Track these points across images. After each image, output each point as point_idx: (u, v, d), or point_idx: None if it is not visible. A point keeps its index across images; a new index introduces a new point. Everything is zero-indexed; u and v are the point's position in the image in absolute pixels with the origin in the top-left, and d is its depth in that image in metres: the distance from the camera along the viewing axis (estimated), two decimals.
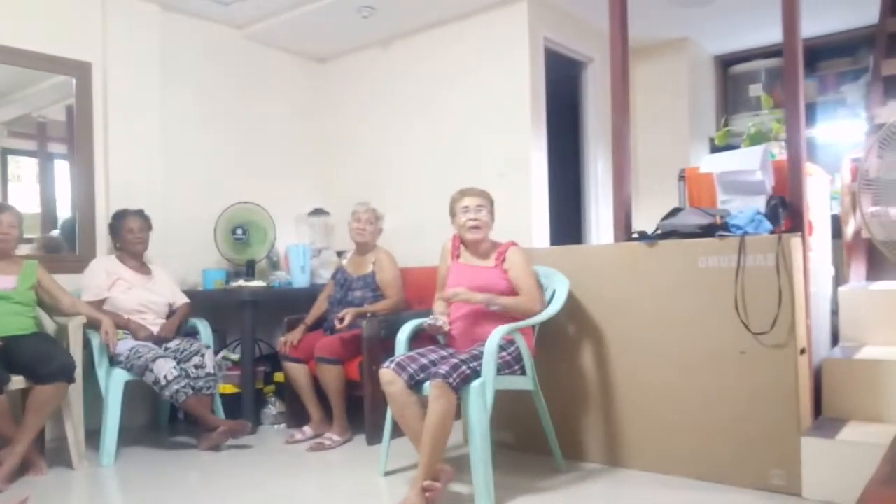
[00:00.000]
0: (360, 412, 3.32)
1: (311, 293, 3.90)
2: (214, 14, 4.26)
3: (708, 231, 2.66)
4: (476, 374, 2.46)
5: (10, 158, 4.34)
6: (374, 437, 3.17)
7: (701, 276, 2.63)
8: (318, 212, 4.54)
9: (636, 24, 3.30)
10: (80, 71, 3.81)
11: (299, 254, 4.07)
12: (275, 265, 4.26)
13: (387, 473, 2.82)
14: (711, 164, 2.92)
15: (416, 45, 4.46)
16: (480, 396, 2.42)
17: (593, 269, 2.93)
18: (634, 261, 2.82)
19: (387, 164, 4.59)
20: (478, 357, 2.50)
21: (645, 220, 3.20)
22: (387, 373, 2.56)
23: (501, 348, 2.55)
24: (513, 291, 2.77)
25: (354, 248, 3.75)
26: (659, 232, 2.81)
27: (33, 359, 2.92)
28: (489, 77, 4.11)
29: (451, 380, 2.38)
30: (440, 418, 2.38)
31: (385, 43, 4.60)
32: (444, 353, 2.70)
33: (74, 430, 3.09)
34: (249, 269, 4.08)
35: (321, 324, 3.65)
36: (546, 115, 4.14)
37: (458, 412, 2.55)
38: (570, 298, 2.85)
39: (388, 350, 2.81)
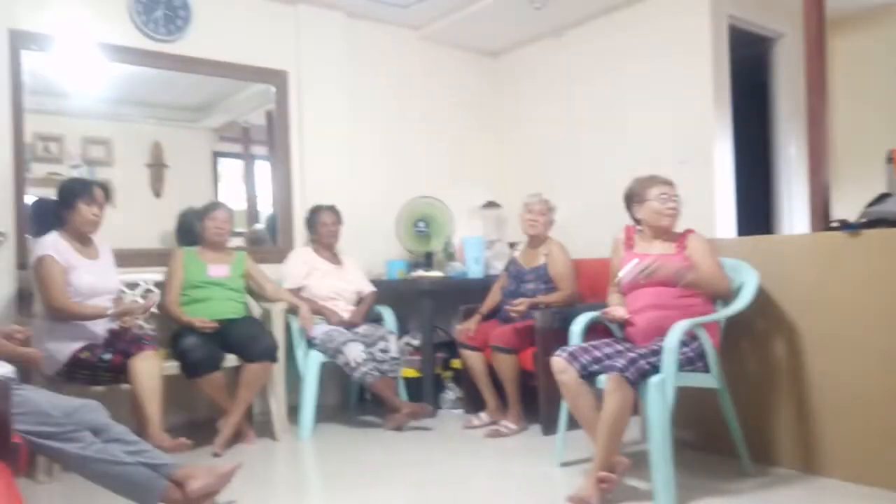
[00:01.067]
0: (535, 402, 3.36)
1: (485, 284, 4.00)
2: (394, 17, 4.48)
3: None
4: (655, 369, 2.40)
5: (219, 161, 4.87)
6: (550, 428, 3.19)
7: None
8: (491, 204, 4.63)
9: None
10: (278, 79, 4.18)
11: (474, 245, 4.18)
12: (451, 256, 4.41)
13: (562, 464, 2.83)
14: None
15: (590, 32, 4.39)
16: (660, 393, 2.36)
17: (786, 260, 2.74)
18: (834, 252, 2.60)
19: (559, 155, 4.57)
20: (657, 352, 2.44)
21: (845, 207, 2.92)
22: (559, 361, 2.58)
23: (683, 344, 2.46)
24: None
25: (527, 240, 3.79)
26: (864, 220, 2.56)
27: (243, 340, 3.28)
28: (668, 60, 3.94)
29: (627, 373, 2.35)
30: (616, 412, 2.35)
31: (558, 33, 4.57)
32: (620, 346, 2.65)
33: (278, 406, 3.43)
34: (428, 260, 4.27)
35: (495, 314, 3.73)
36: (730, 97, 3.89)
37: (636, 408, 2.50)
38: (760, 292, 2.67)
39: (562, 342, 2.82)
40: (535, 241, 3.71)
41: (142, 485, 2.20)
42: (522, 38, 4.74)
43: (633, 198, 2.85)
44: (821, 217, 2.82)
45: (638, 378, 2.36)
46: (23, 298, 3.08)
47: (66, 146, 3.79)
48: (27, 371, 2.57)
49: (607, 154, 4.21)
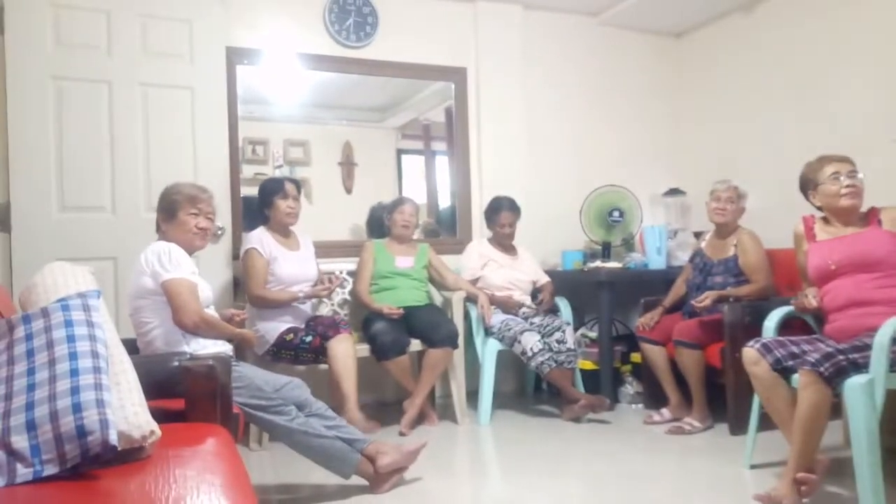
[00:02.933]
0: (720, 400, 3.19)
1: (667, 275, 3.85)
2: (571, 5, 4.44)
3: None
4: (855, 366, 2.18)
5: (403, 157, 5.13)
6: (738, 428, 3.02)
7: None
8: (673, 192, 4.44)
9: None
10: (458, 76, 4.31)
11: (655, 235, 4.04)
12: (630, 246, 4.29)
13: (752, 466, 2.67)
14: None
15: (784, 4, 4.03)
16: (867, 395, 2.13)
17: None
18: None
19: (749, 139, 4.26)
20: (861, 349, 2.21)
21: None
22: (751, 352, 2.43)
23: (894, 341, 2.21)
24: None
25: (714, 229, 3.59)
26: None
27: (426, 326, 3.45)
28: (872, 31, 3.51)
29: (821, 368, 2.15)
30: (811, 410, 2.17)
31: (747, 8, 4.25)
32: (819, 343, 2.44)
33: (458, 390, 3.57)
34: (606, 251, 4.18)
35: (679, 307, 3.58)
36: None
37: (838, 410, 2.28)
38: None
39: (753, 337, 2.64)
40: (724, 230, 3.51)
41: (338, 457, 2.41)
42: (708, 15, 4.47)
43: (807, 185, 2.64)
44: None
45: (834, 375, 2.15)
46: (238, 285, 3.47)
47: (270, 148, 4.20)
48: (241, 349, 2.90)
49: (804, 135, 3.85)
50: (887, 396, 2.17)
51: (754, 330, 2.73)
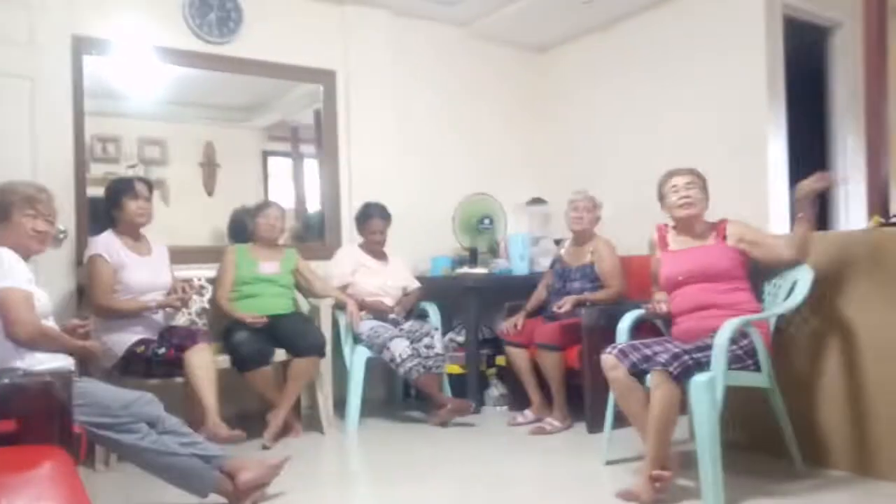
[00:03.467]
0: (580, 400, 3.34)
1: (530, 281, 3.98)
2: (440, 14, 4.49)
3: None
4: (699, 365, 2.36)
5: (269, 159, 4.97)
6: (595, 426, 3.17)
7: None
8: (536, 201, 4.61)
9: None
10: (326, 78, 4.24)
11: (519, 242, 4.17)
12: (495, 253, 4.41)
13: (608, 462, 2.81)
14: None
15: (638, 26, 4.32)
16: (708, 392, 2.31)
17: (842, 257, 2.65)
18: (893, 249, 2.50)
19: (607, 152, 4.52)
20: (703, 349, 2.40)
21: None
22: (609, 358, 2.56)
23: (733, 341, 2.41)
24: (738, 268, 2.61)
25: (572, 237, 3.76)
26: None
27: (291, 335, 3.35)
28: (719, 51, 3.85)
29: (671, 368, 2.32)
30: (663, 407, 2.33)
31: (606, 27, 4.51)
32: (668, 344, 2.62)
33: (325, 400, 3.50)
34: (473, 257, 4.27)
35: (541, 311, 3.72)
36: (785, 89, 3.79)
37: (684, 406, 2.46)
38: (814, 289, 2.59)
39: (608, 340, 2.79)
40: (581, 238, 3.68)
41: (195, 475, 2.27)
42: (570, 32, 4.70)
43: (659, 196, 2.84)
44: (879, 211, 2.72)
45: (682, 374, 2.32)
46: (82, 293, 3.21)
47: (123, 147, 3.92)
48: (86, 364, 2.68)
49: (656, 148, 4.14)
50: (727, 393, 2.35)
51: (609, 332, 2.88)
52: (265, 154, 4.81)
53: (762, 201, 3.63)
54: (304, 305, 3.76)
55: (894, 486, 2.46)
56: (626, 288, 3.54)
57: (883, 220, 2.66)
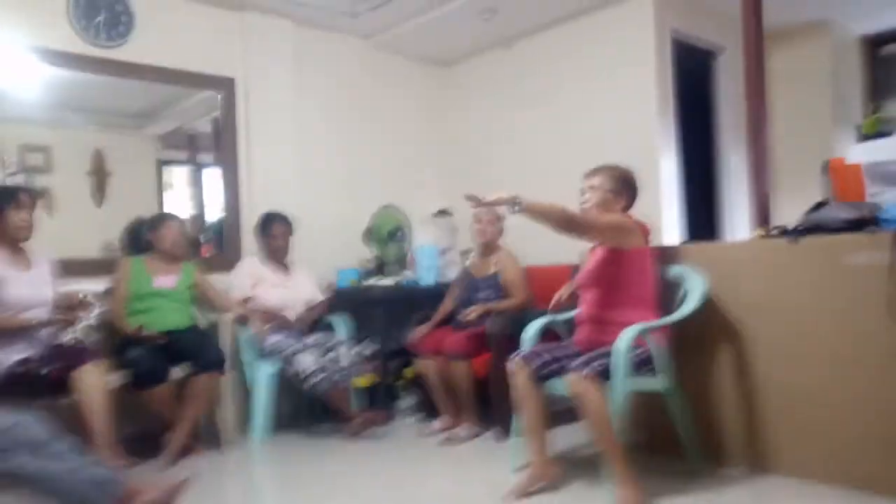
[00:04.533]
0: (490, 408, 3.37)
1: (437, 292, 4.00)
2: (343, 26, 4.46)
3: (856, 226, 2.50)
4: (606, 371, 2.45)
5: (165, 168, 4.76)
6: (504, 434, 3.21)
7: (848, 274, 2.47)
8: (443, 212, 4.64)
9: (771, 7, 3.14)
10: (225, 86, 4.10)
11: (427, 254, 4.18)
12: (403, 264, 4.40)
13: (516, 470, 2.84)
14: (860, 153, 2.73)
15: (539, 43, 4.47)
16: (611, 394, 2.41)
17: (729, 266, 2.82)
18: (774, 258, 2.69)
19: (510, 164, 4.63)
20: (606, 355, 2.49)
21: (786, 215, 3.04)
22: (513, 364, 2.65)
23: (631, 348, 2.51)
24: (612, 272, 2.68)
25: (478, 248, 3.81)
26: (801, 227, 2.66)
27: (191, 351, 3.21)
28: (614, 72, 4.05)
29: (587, 370, 2.41)
30: (593, 408, 2.38)
31: (507, 43, 4.63)
32: (570, 350, 2.71)
33: (227, 417, 3.36)
34: (380, 269, 4.25)
35: (448, 321, 3.74)
36: (675, 108, 4.02)
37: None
38: (706, 297, 2.75)
39: (515, 348, 2.85)
40: (486, 249, 3.74)
41: (88, 502, 2.12)
42: (473, 47, 4.79)
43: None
44: (761, 224, 2.92)
45: (594, 377, 2.40)
46: None
47: (3, 154, 3.64)
48: None
49: (554, 163, 4.29)
50: (627, 396, 2.46)
51: (515, 340, 2.94)
52: (160, 163, 4.61)
53: (655, 215, 3.81)
54: (203, 320, 3.60)
55: (783, 478, 2.64)
56: (530, 297, 3.62)
57: (764, 232, 2.85)
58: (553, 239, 3.04)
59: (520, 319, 3.18)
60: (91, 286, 3.32)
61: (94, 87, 3.84)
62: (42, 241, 3.05)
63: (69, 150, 3.83)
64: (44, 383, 2.71)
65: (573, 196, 2.91)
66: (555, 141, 4.35)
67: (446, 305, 3.81)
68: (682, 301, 2.76)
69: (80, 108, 3.92)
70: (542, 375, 2.61)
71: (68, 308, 2.92)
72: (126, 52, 3.72)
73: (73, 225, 3.66)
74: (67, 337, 3.15)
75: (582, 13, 4.17)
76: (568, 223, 2.47)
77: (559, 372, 2.58)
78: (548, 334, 2.97)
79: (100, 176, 3.95)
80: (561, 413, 2.89)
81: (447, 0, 4.02)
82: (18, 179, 3.50)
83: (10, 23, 3.36)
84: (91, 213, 3.84)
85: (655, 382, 2.64)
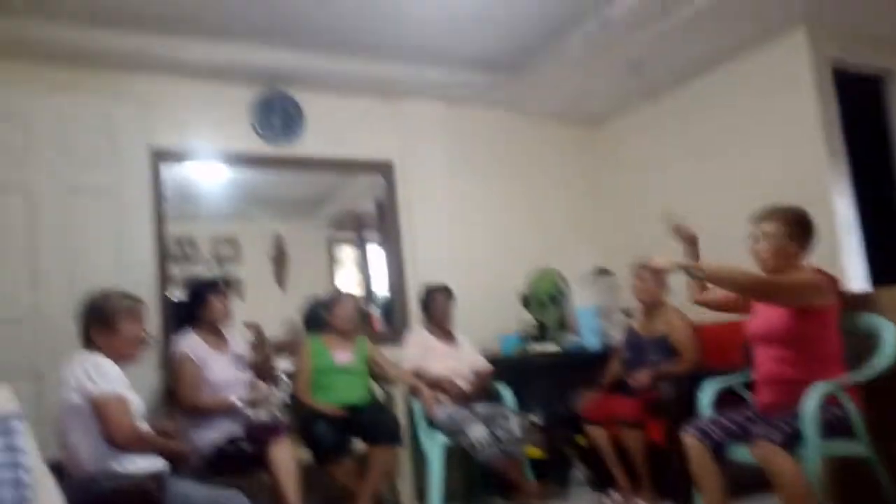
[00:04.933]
0: (667, 478, 3.21)
1: (603, 355, 3.92)
2: (491, 99, 4.61)
3: None
4: (796, 435, 2.27)
5: (335, 247, 5.12)
6: None
7: None
8: (602, 272, 4.58)
9: None
10: (385, 169, 4.38)
11: (589, 315, 4.13)
12: (565, 328, 4.36)
13: None
14: None
15: (689, 91, 4.34)
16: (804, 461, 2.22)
17: None
18: None
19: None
20: (794, 417, 2.31)
21: None
22: (688, 437, 2.51)
23: (823, 409, 2.31)
24: (796, 330, 2.47)
25: (641, 306, 3.71)
26: None
27: (369, 424, 3.35)
28: (772, 111, 3.84)
29: (773, 437, 2.24)
30: (788, 479, 2.19)
31: (654, 96, 4.56)
32: (752, 414, 2.54)
33: (406, 488, 3.45)
34: (542, 333, 4.24)
35: (618, 386, 3.63)
36: (844, 142, 3.73)
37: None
38: None
39: (690, 413, 2.71)
40: (651, 307, 3.63)
41: None
42: (621, 103, 4.75)
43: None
44: None
45: (784, 443, 2.23)
46: (168, 394, 3.30)
47: (199, 246, 4.11)
48: (175, 463, 2.73)
49: (716, 212, 4.07)
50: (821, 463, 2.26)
51: (691, 405, 2.80)
52: (331, 243, 4.97)
53: (834, 258, 3.52)
54: (379, 393, 3.77)
55: None
56: (702, 357, 3.45)
57: None
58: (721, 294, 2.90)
59: (693, 382, 3.02)
60: (280, 364, 3.62)
61: (273, 181, 4.27)
62: (236, 324, 3.37)
63: (253, 239, 4.24)
64: (245, 459, 2.95)
65: (739, 247, 2.78)
66: (715, 189, 4.17)
67: (614, 369, 3.72)
68: (873, 354, 2.51)
69: (261, 200, 4.36)
70: (723, 444, 2.45)
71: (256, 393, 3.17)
72: (299, 148, 4.10)
73: (260, 307, 4.01)
74: (261, 414, 3.44)
75: (731, 55, 4.02)
76: (756, 288, 2.36)
77: (742, 438, 2.41)
78: (726, 398, 2.80)
79: (280, 260, 4.32)
80: (746, 483, 2.68)
81: (590, 60, 4.05)
82: (212, 269, 3.93)
83: (203, 135, 3.83)
84: (275, 295, 4.21)
85: (852, 446, 2.40)
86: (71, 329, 2.54)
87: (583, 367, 3.95)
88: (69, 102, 3.32)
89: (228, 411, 3.07)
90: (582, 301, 4.48)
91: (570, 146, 5.06)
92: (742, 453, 2.41)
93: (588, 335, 4.12)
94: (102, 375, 2.28)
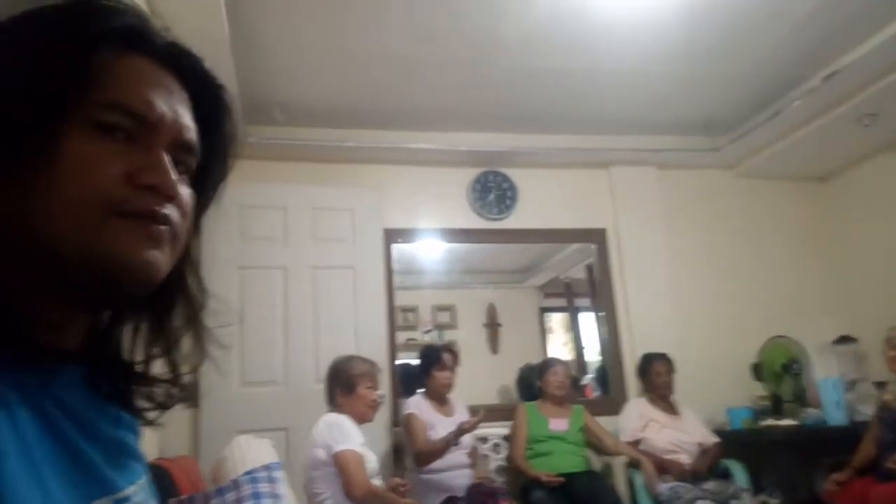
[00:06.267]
0: None
1: (849, 432, 3.49)
2: (706, 161, 4.48)
3: None
4: None
5: (545, 315, 5.20)
6: None
7: None
8: (844, 339, 4.13)
9: None
10: (597, 236, 4.38)
11: (832, 387, 3.73)
12: (802, 401, 3.97)
13: None
14: None
15: None
16: None
17: None
18: None
19: None
20: None
21: None
22: None
23: None
24: None
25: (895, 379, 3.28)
26: None
27: (587, 495, 3.29)
28: None
29: None
30: None
31: (892, 147, 4.11)
32: None
33: None
34: (777, 407, 3.89)
35: (870, 468, 3.21)
36: None
37: None
38: None
39: None
40: None
41: None
42: (853, 157, 4.35)
43: None
44: None
45: None
46: (397, 452, 3.53)
47: (420, 314, 4.41)
48: None
49: None
50: None
51: None
52: (541, 310, 5.07)
53: None
54: (596, 463, 3.70)
55: None
56: None
57: None
58: None
59: None
60: (493, 430, 3.71)
61: (486, 252, 4.49)
62: (456, 390, 3.53)
63: (468, 307, 4.47)
64: None
65: None
66: None
67: (866, 448, 3.29)
68: None
69: (475, 270, 4.61)
70: None
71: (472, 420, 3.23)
72: (511, 221, 4.27)
73: (474, 372, 4.16)
74: (479, 477, 3.53)
75: None
76: None
77: None
78: None
79: (493, 327, 4.49)
80: None
81: (816, 116, 3.80)
82: (433, 335, 4.18)
83: (426, 216, 4.15)
84: (488, 361, 4.36)
85: None
86: (315, 390, 2.86)
87: (825, 444, 3.55)
88: (319, 193, 3.82)
89: (450, 480, 3.17)
90: (824, 373, 4.06)
91: (797, 205, 4.65)
92: None
93: (831, 409, 3.71)
94: (345, 434, 2.53)
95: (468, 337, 4.53)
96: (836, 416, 3.69)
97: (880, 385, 3.63)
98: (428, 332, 4.60)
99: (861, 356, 4.08)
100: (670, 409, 3.75)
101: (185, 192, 0.59)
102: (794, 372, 3.91)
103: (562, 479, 3.32)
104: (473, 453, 3.41)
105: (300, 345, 3.57)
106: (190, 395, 0.67)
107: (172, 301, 0.64)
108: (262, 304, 3.56)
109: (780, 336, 4.02)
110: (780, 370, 3.94)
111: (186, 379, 0.66)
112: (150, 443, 2.47)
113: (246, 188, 3.63)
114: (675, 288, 4.31)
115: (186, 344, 0.65)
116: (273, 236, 3.68)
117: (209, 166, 0.65)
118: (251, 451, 2.30)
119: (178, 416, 3.31)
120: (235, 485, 1.89)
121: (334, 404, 2.71)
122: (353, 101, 3.72)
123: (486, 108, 3.85)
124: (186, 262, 0.64)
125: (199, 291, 0.66)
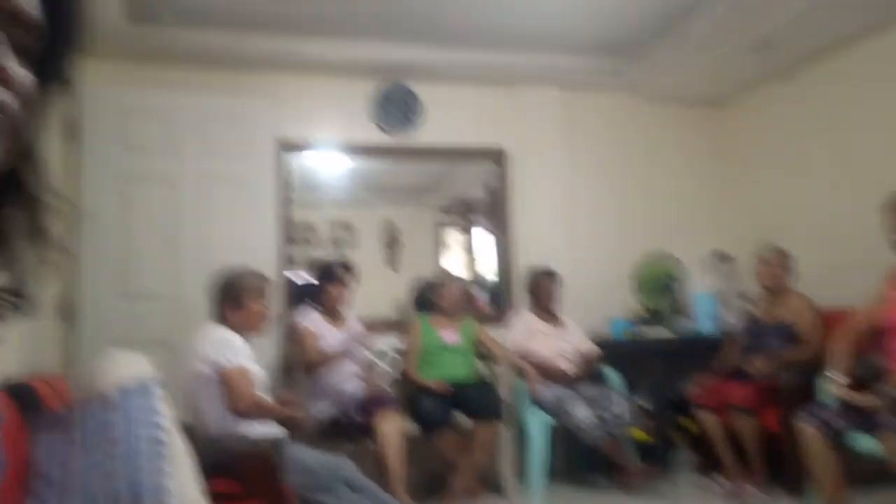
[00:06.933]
0: (780, 467, 3.07)
1: (719, 341, 3.78)
2: (608, 84, 4.49)
3: None
4: None
5: (441, 231, 5.24)
6: (797, 494, 2.89)
7: None
8: (722, 256, 4.40)
9: None
10: (498, 156, 4.40)
11: (706, 301, 3.99)
12: (678, 312, 4.24)
13: None
14: None
15: (826, 69, 3.96)
16: None
17: None
18: None
19: (796, 202, 4.17)
20: None
21: None
22: (805, 424, 2.42)
23: None
24: None
25: (763, 292, 3.54)
26: None
27: (472, 400, 3.44)
28: None
29: None
30: None
31: (785, 76, 4.24)
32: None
33: (507, 465, 3.52)
34: (655, 318, 4.14)
35: (732, 373, 3.50)
36: None
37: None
38: None
39: (809, 401, 2.58)
40: (774, 293, 3.46)
41: None
42: (747, 84, 4.45)
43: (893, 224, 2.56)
44: None
45: None
46: (286, 367, 3.54)
47: (318, 231, 4.35)
48: (292, 430, 2.94)
49: (852, 197, 3.76)
50: None
51: (811, 393, 2.67)
52: (439, 227, 5.09)
53: None
54: (484, 372, 3.85)
55: None
56: (825, 345, 3.25)
57: None
58: (849, 281, 2.73)
59: (815, 370, 2.87)
60: (389, 341, 3.79)
61: (388, 170, 4.44)
62: (352, 304, 3.55)
63: (368, 224, 4.44)
64: (355, 428, 3.14)
65: (873, 234, 2.60)
66: (847, 173, 3.83)
67: (730, 355, 3.58)
68: None
69: (376, 188, 4.55)
70: (842, 432, 2.32)
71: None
72: (415, 138, 4.21)
73: (375, 290, 4.18)
74: (369, 386, 3.60)
75: (870, 32, 3.65)
76: None
77: (865, 427, 2.28)
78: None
79: (393, 245, 4.49)
80: (866, 474, 2.53)
81: (713, 45, 3.87)
82: (330, 252, 4.15)
83: (325, 128, 4.04)
84: (388, 279, 4.39)
85: None
86: (201, 304, 2.80)
87: (697, 352, 3.82)
88: (206, 101, 3.63)
89: (339, 387, 3.24)
90: (700, 286, 4.33)
91: (692, 129, 4.80)
92: (866, 443, 2.28)
93: (704, 321, 3.99)
94: (232, 350, 2.50)
95: (368, 254, 4.52)
96: (707, 327, 3.98)
97: (746, 297, 3.92)
98: (327, 249, 4.56)
99: (734, 272, 4.36)
100: (554, 320, 3.92)
101: (18, 72, 0.52)
102: (671, 286, 4.15)
103: (450, 387, 3.46)
104: (366, 364, 3.47)
105: (187, 258, 3.46)
106: (28, 306, 0.60)
107: (4, 199, 0.56)
108: (145, 217, 3.42)
109: (660, 252, 4.23)
110: (659, 284, 4.17)
111: (25, 287, 0.58)
112: (14, 359, 2.36)
113: (129, 93, 3.40)
114: (567, 206, 4.42)
115: (26, 248, 0.58)
116: (158, 145, 3.49)
117: (55, 46, 0.57)
118: (122, 365, 2.24)
119: (52, 331, 3.17)
120: (103, 399, 1.84)
121: (221, 318, 2.67)
122: (247, 3, 3.48)
123: (390, 15, 3.67)
124: (24, 154, 0.56)
125: (38, 189, 0.58)
